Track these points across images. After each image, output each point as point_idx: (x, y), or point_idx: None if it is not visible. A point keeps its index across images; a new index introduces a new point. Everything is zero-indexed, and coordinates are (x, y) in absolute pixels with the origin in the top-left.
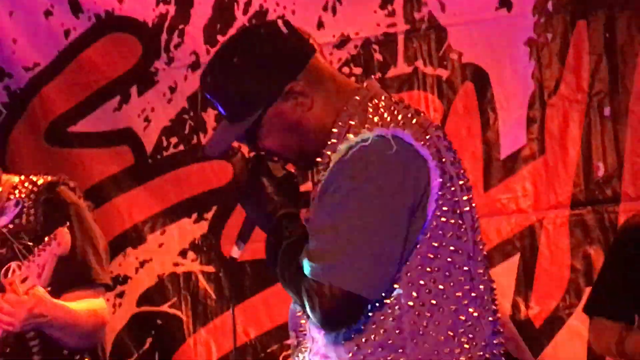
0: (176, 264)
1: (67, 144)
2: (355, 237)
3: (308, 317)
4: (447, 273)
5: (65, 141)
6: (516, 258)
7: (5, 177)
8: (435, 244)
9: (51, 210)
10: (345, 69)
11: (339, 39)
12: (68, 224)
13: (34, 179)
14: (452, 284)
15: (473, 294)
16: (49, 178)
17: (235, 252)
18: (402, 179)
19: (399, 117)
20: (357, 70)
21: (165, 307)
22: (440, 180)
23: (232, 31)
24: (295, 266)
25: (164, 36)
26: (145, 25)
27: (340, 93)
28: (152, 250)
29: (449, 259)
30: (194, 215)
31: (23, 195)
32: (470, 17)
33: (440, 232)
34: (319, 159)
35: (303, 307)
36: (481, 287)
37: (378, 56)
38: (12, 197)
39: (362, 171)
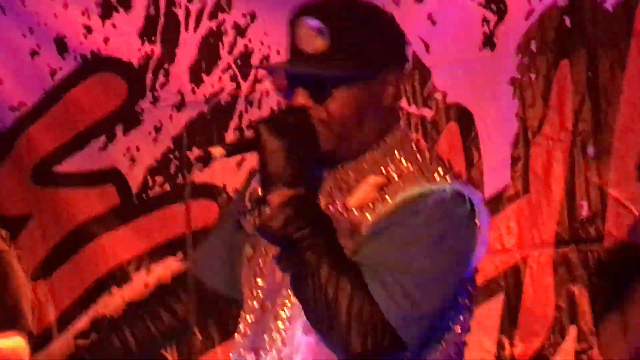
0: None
1: (53, 184)
2: (424, 288)
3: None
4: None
5: (51, 181)
6: (501, 297)
7: None
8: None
9: None
10: None
11: None
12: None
13: None
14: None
15: None
16: None
17: (216, 151)
18: (466, 245)
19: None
20: None
21: None
22: (483, 252)
23: (217, 70)
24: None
25: (149, 76)
26: (130, 65)
27: (392, 114)
28: (137, 290)
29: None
30: (180, 255)
31: None
32: (454, 57)
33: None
34: (341, 166)
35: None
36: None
37: None
38: None
39: (439, 225)
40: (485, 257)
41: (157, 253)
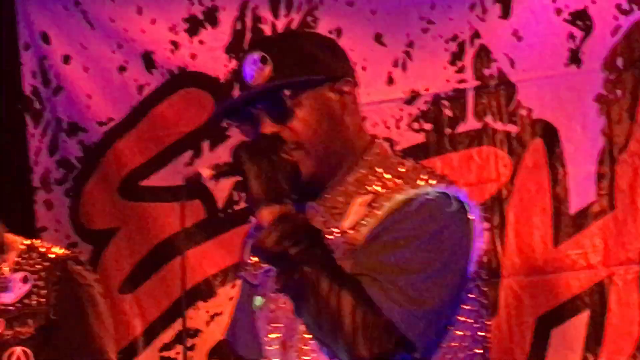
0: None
1: (140, 198)
2: (421, 286)
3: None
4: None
5: (138, 195)
6: (586, 314)
7: (10, 237)
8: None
9: (64, 292)
10: (415, 125)
11: (409, 95)
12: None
13: (42, 249)
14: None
15: None
16: (59, 251)
17: (205, 172)
18: (461, 239)
19: (437, 175)
20: (427, 126)
21: None
22: (481, 244)
23: None
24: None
25: (236, 91)
26: (217, 81)
27: (363, 133)
28: (222, 304)
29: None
30: None
31: (32, 269)
32: (539, 73)
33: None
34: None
35: (342, 333)
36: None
37: (448, 112)
38: (17, 267)
39: (428, 225)
40: (571, 274)
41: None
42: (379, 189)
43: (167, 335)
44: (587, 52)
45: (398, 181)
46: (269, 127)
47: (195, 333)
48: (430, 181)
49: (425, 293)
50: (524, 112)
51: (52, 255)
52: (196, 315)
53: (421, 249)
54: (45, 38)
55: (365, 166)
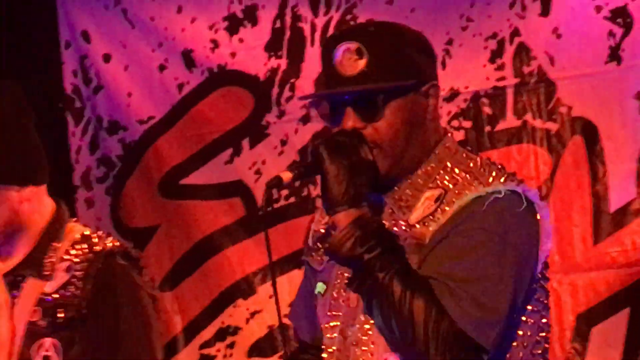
0: (286, 315)
1: (180, 196)
2: (492, 292)
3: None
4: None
5: (178, 193)
6: (626, 311)
7: (71, 225)
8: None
9: (101, 286)
10: (455, 122)
11: (448, 93)
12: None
13: (95, 239)
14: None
15: None
16: (109, 244)
17: (285, 176)
18: (530, 240)
19: (507, 172)
20: (467, 124)
21: (275, 358)
22: (550, 245)
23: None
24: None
25: (276, 90)
26: (257, 79)
27: (438, 128)
28: (262, 302)
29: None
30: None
31: (77, 260)
32: (579, 70)
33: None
34: (397, 187)
35: (414, 338)
36: None
37: (487, 110)
38: (66, 257)
39: (499, 226)
40: (611, 272)
41: (282, 265)
42: (448, 184)
43: (207, 333)
44: (627, 49)
45: (468, 177)
46: (352, 121)
47: (235, 331)
48: (501, 179)
49: (497, 300)
50: (563, 110)
51: (99, 248)
52: (236, 313)
53: (492, 253)
54: (86, 37)
55: (435, 160)
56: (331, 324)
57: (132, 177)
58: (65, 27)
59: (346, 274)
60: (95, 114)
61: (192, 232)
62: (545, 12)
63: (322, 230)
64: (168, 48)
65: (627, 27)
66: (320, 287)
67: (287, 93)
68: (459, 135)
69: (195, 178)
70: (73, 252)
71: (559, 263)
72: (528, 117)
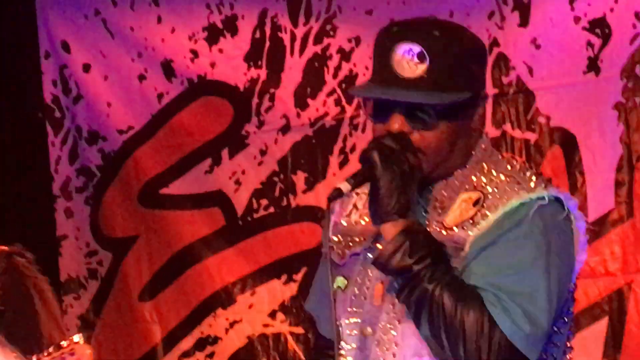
0: (266, 325)
1: (159, 206)
2: (542, 306)
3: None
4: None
5: (157, 203)
6: (604, 321)
7: None
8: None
9: (10, 282)
10: None
11: None
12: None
13: None
14: None
15: None
16: (3, 247)
17: (345, 188)
18: (570, 251)
19: (544, 177)
20: None
21: None
22: (585, 256)
23: (322, 94)
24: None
25: (255, 100)
26: (236, 89)
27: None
28: (242, 311)
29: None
30: (284, 277)
31: None
32: (558, 81)
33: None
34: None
35: (461, 348)
36: None
37: None
38: None
39: (545, 235)
40: (589, 281)
41: (262, 275)
42: (487, 187)
43: (186, 343)
44: (605, 59)
45: (509, 181)
46: (400, 124)
47: (214, 341)
48: (542, 184)
49: (544, 313)
50: (542, 120)
51: None
52: (215, 323)
53: (540, 265)
54: (66, 47)
55: (472, 161)
56: (351, 320)
57: (111, 187)
58: (44, 37)
59: (370, 271)
60: (75, 124)
61: (172, 242)
62: (524, 22)
63: (344, 223)
64: (148, 58)
65: (606, 37)
66: (340, 281)
67: (266, 103)
68: None
69: (175, 188)
70: None
71: None
72: (507, 127)
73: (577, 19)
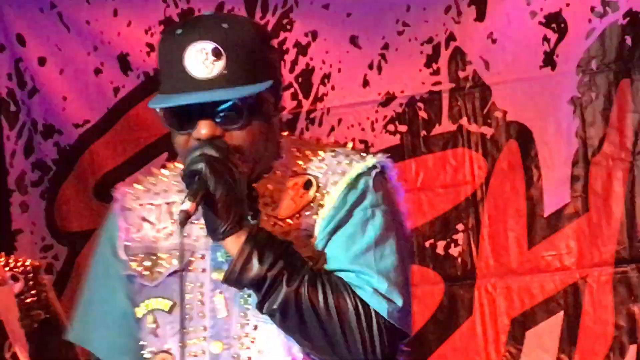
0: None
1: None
2: (401, 272)
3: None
4: None
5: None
6: (560, 315)
7: None
8: None
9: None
10: (391, 127)
11: (384, 97)
12: None
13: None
14: None
15: None
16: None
17: (187, 206)
18: (403, 209)
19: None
20: (402, 128)
21: None
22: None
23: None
24: (349, 295)
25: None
26: None
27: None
28: None
29: None
30: None
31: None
32: (514, 75)
33: None
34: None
35: (342, 333)
36: None
37: (423, 114)
38: None
39: (388, 203)
40: (545, 276)
41: None
42: (314, 169)
43: None
44: (561, 54)
45: (334, 155)
46: (209, 129)
47: None
48: (370, 154)
49: (407, 285)
50: (498, 114)
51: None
52: None
53: (391, 236)
54: (21, 40)
55: (285, 149)
56: (190, 341)
57: (67, 181)
58: None
59: (198, 285)
60: (30, 118)
61: None
62: (480, 17)
63: (139, 240)
64: (104, 52)
65: (562, 32)
66: (160, 304)
67: None
68: (395, 140)
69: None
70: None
71: (493, 267)
72: (463, 121)
73: (533, 14)
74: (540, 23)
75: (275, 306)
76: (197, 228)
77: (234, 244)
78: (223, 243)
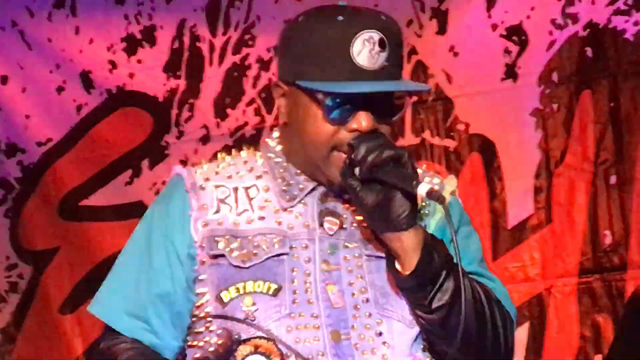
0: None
1: (80, 218)
2: None
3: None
4: None
5: (78, 215)
6: (525, 326)
7: None
8: None
9: None
10: None
11: None
12: None
13: None
14: None
15: None
16: None
17: (425, 187)
18: None
19: None
20: None
21: None
22: None
23: (241, 104)
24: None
25: (175, 110)
26: (155, 100)
27: None
28: None
29: None
30: None
31: None
32: (476, 88)
33: None
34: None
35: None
36: None
37: None
38: None
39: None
40: (510, 287)
41: None
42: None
43: None
44: (523, 66)
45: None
46: (369, 122)
47: None
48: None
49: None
50: (461, 127)
51: None
52: None
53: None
54: None
55: None
56: (299, 326)
57: (31, 199)
58: None
59: (306, 274)
60: None
61: (93, 253)
62: (442, 30)
63: (232, 222)
64: (66, 69)
65: (523, 44)
66: (260, 286)
67: (186, 113)
68: None
69: (95, 199)
70: None
71: None
72: (426, 134)
73: (494, 27)
74: (501, 35)
75: (445, 300)
76: (292, 217)
77: (413, 236)
78: (398, 234)
